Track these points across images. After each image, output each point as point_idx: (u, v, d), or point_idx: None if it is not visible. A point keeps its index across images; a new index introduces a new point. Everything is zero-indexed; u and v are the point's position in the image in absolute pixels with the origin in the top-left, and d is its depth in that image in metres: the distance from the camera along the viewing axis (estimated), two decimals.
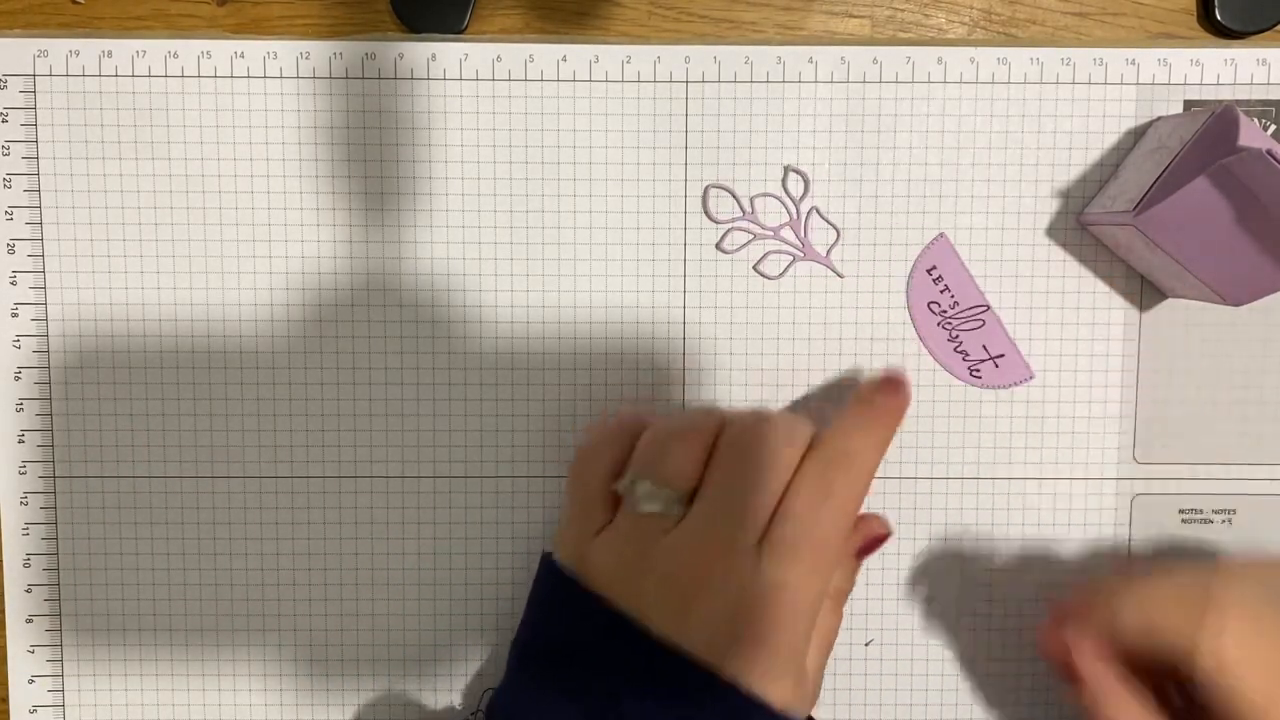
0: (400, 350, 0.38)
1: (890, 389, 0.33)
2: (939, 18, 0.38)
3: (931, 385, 0.38)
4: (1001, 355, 0.38)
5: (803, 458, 0.31)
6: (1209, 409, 0.38)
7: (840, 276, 0.38)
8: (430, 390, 0.38)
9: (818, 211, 0.37)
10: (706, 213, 0.37)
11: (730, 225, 0.37)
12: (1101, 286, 0.38)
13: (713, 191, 0.37)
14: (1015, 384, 0.38)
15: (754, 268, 0.37)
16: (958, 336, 0.37)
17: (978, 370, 0.38)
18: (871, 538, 0.34)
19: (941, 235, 0.37)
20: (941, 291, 0.37)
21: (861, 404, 0.33)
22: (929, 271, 0.37)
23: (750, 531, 0.30)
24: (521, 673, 0.33)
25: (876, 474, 0.33)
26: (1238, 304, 0.33)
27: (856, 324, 0.38)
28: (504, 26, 0.37)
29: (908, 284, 0.37)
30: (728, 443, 0.32)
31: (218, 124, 0.37)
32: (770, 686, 0.29)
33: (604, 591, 0.31)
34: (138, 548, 0.38)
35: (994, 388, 0.38)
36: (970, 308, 0.37)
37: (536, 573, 0.34)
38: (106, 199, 0.37)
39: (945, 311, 0.37)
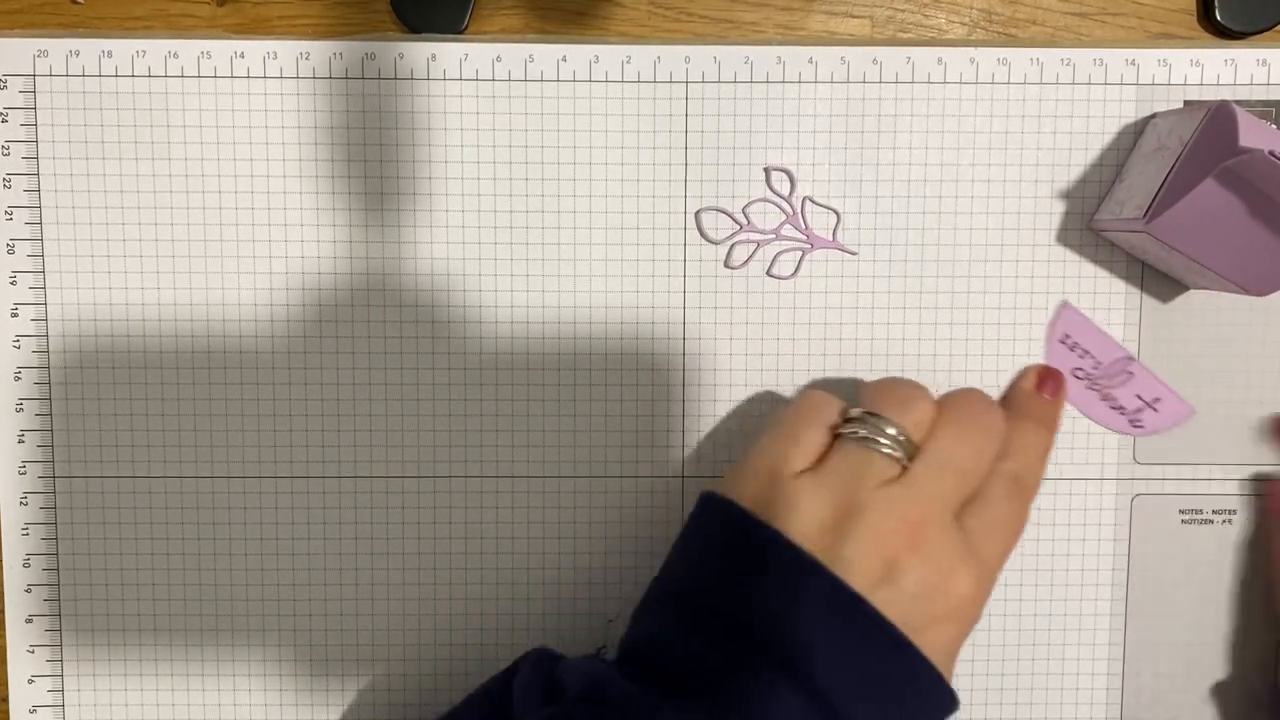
0: (400, 350, 0.38)
1: (1053, 386, 0.36)
2: (939, 18, 0.38)
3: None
4: (1158, 399, 0.38)
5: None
6: (1209, 409, 0.38)
7: (854, 254, 0.37)
8: (430, 390, 0.38)
9: (810, 200, 0.37)
10: (700, 231, 0.37)
11: (731, 241, 0.37)
12: (1101, 287, 0.38)
13: (706, 215, 0.37)
14: (1178, 424, 0.38)
15: (768, 272, 0.37)
16: (1110, 395, 0.37)
17: (1139, 420, 0.38)
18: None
19: (1066, 304, 0.37)
20: (1081, 357, 0.37)
21: (1034, 403, 0.35)
22: (1063, 341, 0.37)
23: (956, 507, 0.30)
24: (666, 615, 0.31)
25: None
26: (1262, 294, 0.33)
27: (857, 325, 0.38)
28: (504, 26, 0.37)
29: (1045, 358, 0.38)
30: (958, 415, 0.32)
31: (218, 124, 0.37)
32: (947, 668, 0.30)
33: (793, 533, 0.29)
34: (138, 548, 0.38)
35: (1157, 432, 0.38)
36: (1114, 363, 0.37)
37: (694, 512, 0.32)
38: (106, 199, 0.37)
39: (1090, 374, 0.37)
